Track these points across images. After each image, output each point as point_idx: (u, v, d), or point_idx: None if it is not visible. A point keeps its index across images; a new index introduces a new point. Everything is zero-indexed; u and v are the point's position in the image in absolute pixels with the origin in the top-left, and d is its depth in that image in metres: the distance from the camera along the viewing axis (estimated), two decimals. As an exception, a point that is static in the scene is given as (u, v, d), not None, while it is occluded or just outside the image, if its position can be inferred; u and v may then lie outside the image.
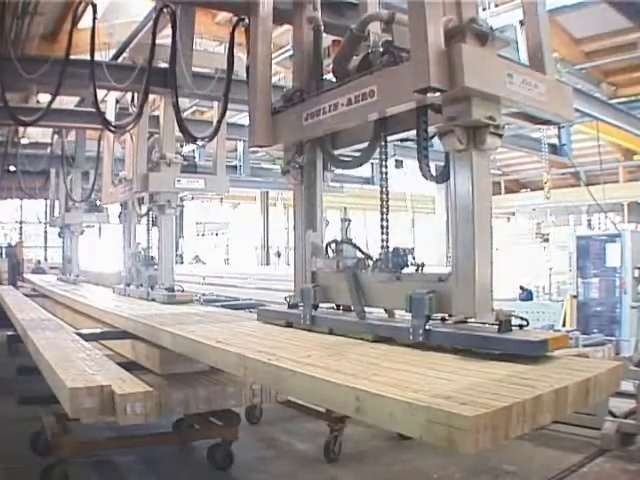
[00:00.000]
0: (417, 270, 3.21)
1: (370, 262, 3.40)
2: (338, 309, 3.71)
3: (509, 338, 2.54)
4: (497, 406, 1.84)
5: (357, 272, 3.39)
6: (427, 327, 2.81)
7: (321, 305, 3.71)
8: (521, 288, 12.19)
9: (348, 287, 3.37)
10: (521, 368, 2.35)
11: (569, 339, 2.70)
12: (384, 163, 3.35)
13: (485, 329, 2.66)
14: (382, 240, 3.34)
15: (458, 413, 1.77)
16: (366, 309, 3.34)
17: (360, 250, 3.59)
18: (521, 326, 2.67)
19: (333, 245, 3.73)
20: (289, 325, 3.80)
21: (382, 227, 3.37)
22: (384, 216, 3.37)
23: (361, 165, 3.59)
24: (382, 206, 3.38)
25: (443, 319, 2.87)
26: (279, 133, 3.85)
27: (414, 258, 3.24)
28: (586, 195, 10.36)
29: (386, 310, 3.41)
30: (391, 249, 3.27)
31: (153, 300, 6.18)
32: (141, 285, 6.67)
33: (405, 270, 3.21)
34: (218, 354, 3.16)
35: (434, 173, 3.12)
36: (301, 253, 3.92)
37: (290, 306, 3.92)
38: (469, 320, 2.78)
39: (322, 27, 3.92)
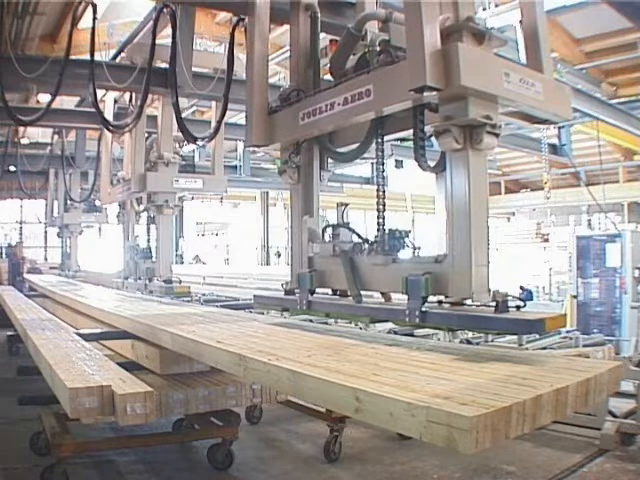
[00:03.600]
0: (413, 253, 3.21)
1: (366, 246, 3.39)
2: (335, 294, 3.70)
3: (506, 317, 2.53)
4: (497, 406, 1.84)
5: (353, 256, 3.38)
6: (423, 309, 2.81)
7: (317, 291, 3.71)
8: (521, 288, 12.19)
9: (344, 271, 3.37)
10: (521, 368, 2.35)
11: (565, 321, 2.68)
12: (381, 154, 3.35)
13: (482, 310, 2.66)
14: (378, 223, 3.33)
15: (458, 413, 1.77)
16: (363, 294, 3.34)
17: (356, 234, 3.58)
18: (518, 307, 2.67)
19: (329, 230, 3.72)
20: (285, 310, 3.80)
21: (378, 210, 3.36)
22: (380, 200, 3.37)
23: (357, 158, 3.58)
24: (378, 189, 3.38)
25: (440, 302, 2.87)
26: (276, 133, 3.85)
27: (410, 241, 3.23)
28: (586, 195, 10.36)
29: (382, 294, 3.41)
30: (387, 231, 3.26)
31: (151, 292, 6.19)
32: (139, 278, 6.67)
33: (401, 253, 3.21)
34: (218, 354, 3.16)
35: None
36: (298, 240, 3.92)
37: (287, 292, 3.91)
38: (466, 302, 2.78)
39: (319, 15, 3.91)
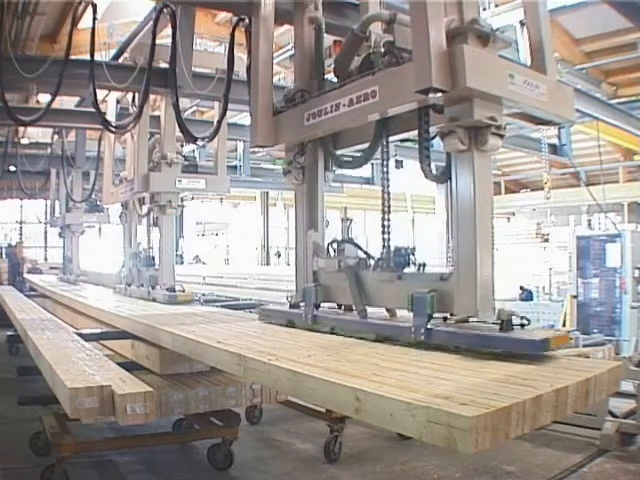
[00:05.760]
0: (418, 269, 3.21)
1: (371, 261, 3.39)
2: (339, 309, 3.70)
3: (510, 337, 2.54)
4: (497, 406, 1.84)
5: (359, 271, 3.39)
6: (429, 326, 2.81)
7: (322, 305, 3.71)
8: (521, 288, 12.19)
9: (349, 286, 3.37)
10: (521, 368, 2.34)
11: (570, 339, 2.69)
12: (385, 163, 3.36)
13: (487, 328, 2.66)
14: (383, 239, 3.33)
15: (458, 413, 1.77)
16: (368, 309, 3.34)
17: (362, 249, 3.58)
18: (522, 325, 2.67)
19: (334, 245, 3.72)
20: (291, 324, 3.80)
21: (383, 226, 3.36)
22: (386, 215, 3.37)
23: (363, 165, 3.60)
24: (383, 205, 3.38)
25: (445, 318, 2.87)
26: (281, 133, 3.85)
27: (415, 257, 3.23)
28: (586, 195, 10.34)
29: (388, 309, 3.41)
30: (392, 248, 3.26)
31: (154, 300, 6.19)
32: (142, 285, 6.67)
33: (406, 269, 3.21)
34: (218, 354, 3.15)
35: (435, 173, 3.12)
36: (302, 252, 3.92)
37: (291, 305, 3.91)
38: (471, 319, 2.78)
39: (324, 27, 3.92)
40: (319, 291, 3.63)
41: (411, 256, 3.21)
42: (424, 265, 3.21)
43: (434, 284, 2.86)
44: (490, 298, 2.78)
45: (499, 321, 2.62)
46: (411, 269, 3.21)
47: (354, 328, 3.28)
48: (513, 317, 2.64)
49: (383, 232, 3.35)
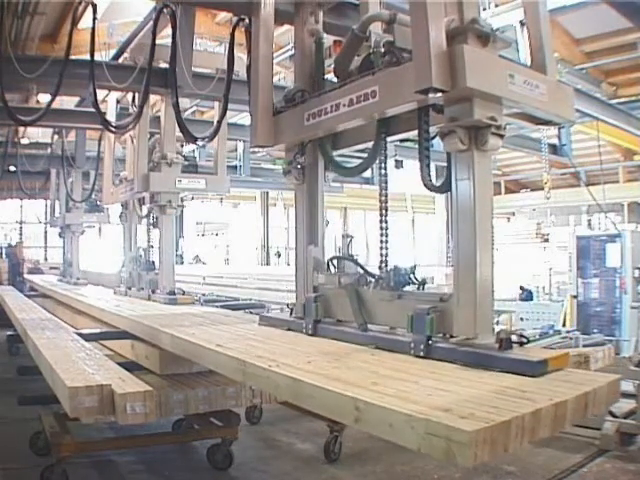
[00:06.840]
0: (418, 288, 3.20)
1: (372, 279, 3.38)
2: (340, 322, 3.69)
3: (508, 357, 2.51)
4: (496, 420, 1.82)
5: (359, 288, 3.38)
6: (429, 342, 2.81)
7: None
8: (521, 288, 12.17)
9: (350, 303, 3.36)
10: (520, 380, 2.32)
11: (569, 357, 2.67)
12: (384, 165, 3.34)
13: (486, 346, 2.63)
14: (381, 254, 3.34)
15: (457, 427, 1.76)
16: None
17: (362, 267, 3.57)
18: (521, 343, 2.65)
19: (335, 261, 3.72)
20: (291, 329, 3.79)
21: (381, 242, 3.36)
22: (384, 231, 3.37)
23: (366, 170, 3.60)
24: (381, 221, 3.38)
25: (444, 333, 2.85)
26: (281, 133, 3.85)
27: (415, 276, 3.21)
28: (586, 195, 10.33)
29: None
30: (392, 267, 3.24)
31: (154, 302, 6.19)
32: (142, 289, 6.67)
33: (407, 288, 3.19)
34: (218, 358, 3.14)
35: (435, 179, 3.11)
36: (302, 265, 3.90)
37: (292, 313, 3.91)
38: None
39: (324, 40, 3.92)
40: (319, 307, 3.61)
41: (411, 275, 3.19)
42: (424, 283, 3.20)
43: (433, 305, 2.84)
44: (489, 320, 2.76)
45: (498, 339, 2.60)
46: (411, 287, 3.19)
47: (354, 340, 3.27)
48: (512, 336, 2.62)
49: (381, 247, 3.34)
